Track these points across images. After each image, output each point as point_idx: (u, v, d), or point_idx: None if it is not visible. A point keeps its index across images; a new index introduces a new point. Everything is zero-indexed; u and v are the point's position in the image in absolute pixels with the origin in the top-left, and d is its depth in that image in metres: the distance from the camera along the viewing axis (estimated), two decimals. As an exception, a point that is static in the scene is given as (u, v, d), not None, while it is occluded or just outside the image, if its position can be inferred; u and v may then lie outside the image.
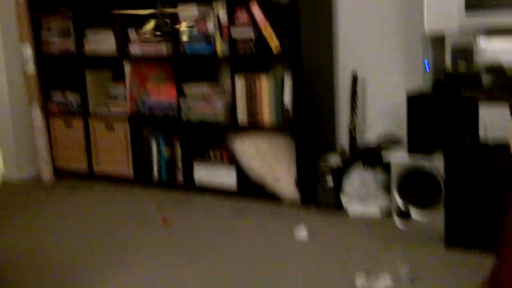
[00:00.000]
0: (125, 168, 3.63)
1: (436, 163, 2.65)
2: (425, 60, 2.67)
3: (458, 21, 2.54)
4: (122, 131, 3.60)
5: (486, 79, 2.60)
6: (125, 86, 3.59)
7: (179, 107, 3.39)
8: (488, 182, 2.36)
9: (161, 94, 3.50)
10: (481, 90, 2.48)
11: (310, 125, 3.11)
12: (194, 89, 3.37)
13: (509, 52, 2.49)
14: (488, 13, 2.49)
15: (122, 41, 3.53)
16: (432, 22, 2.61)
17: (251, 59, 3.22)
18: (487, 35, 2.54)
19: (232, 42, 3.15)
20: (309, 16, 3.02)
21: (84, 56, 3.65)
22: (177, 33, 3.32)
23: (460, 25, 2.55)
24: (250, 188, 3.21)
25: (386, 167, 2.85)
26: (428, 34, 2.67)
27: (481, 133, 2.39)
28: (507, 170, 2.25)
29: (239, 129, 3.23)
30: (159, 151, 3.55)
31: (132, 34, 3.50)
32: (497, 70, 2.45)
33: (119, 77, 3.66)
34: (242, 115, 3.21)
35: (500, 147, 2.32)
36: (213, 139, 3.52)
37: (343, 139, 3.28)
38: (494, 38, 2.52)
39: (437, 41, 2.72)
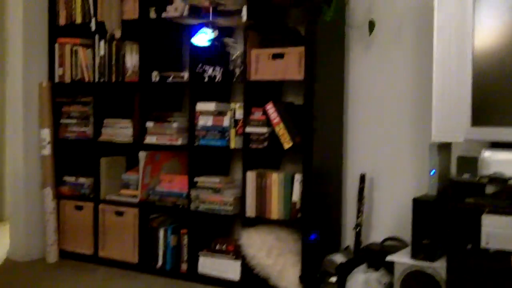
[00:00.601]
0: (130, 254, 3.66)
1: (439, 268, 2.70)
2: (432, 170, 2.79)
3: (464, 134, 2.69)
4: (131, 217, 3.67)
5: (489, 189, 2.72)
6: (138, 173, 3.69)
7: (189, 197, 3.48)
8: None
9: (173, 184, 3.60)
10: (484, 199, 2.59)
11: (318, 222, 3.18)
12: (206, 180, 3.47)
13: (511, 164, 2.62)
14: (493, 128, 2.65)
15: (140, 131, 3.68)
16: (439, 132, 2.75)
17: (263, 154, 3.35)
18: (492, 148, 2.69)
19: (246, 137, 3.29)
20: (322, 117, 3.17)
21: (100, 142, 3.79)
22: (193, 126, 3.47)
23: (466, 137, 2.69)
24: (254, 282, 3.24)
25: (390, 269, 2.90)
26: (435, 143, 2.81)
27: (483, 241, 2.47)
28: (505, 276, 2.30)
29: (247, 222, 3.30)
30: (165, 240, 3.60)
31: (149, 123, 3.66)
32: (500, 181, 2.56)
33: (133, 164, 3.78)
34: (250, 209, 3.29)
35: (500, 254, 2.39)
36: (220, 231, 3.58)
37: (348, 239, 3.34)
38: (498, 151, 2.65)
39: (444, 149, 2.86)
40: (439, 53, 2.73)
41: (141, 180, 3.67)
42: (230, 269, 3.37)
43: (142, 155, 3.66)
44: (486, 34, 2.65)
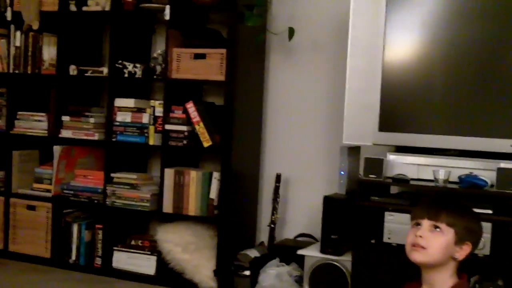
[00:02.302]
0: (43, 249, 3.61)
1: (345, 261, 2.90)
2: (341, 171, 3.00)
3: (372, 138, 2.91)
4: (44, 212, 3.62)
5: (393, 189, 2.96)
6: (52, 168, 3.64)
7: (105, 193, 3.49)
8: (389, 278, 2.63)
9: (88, 179, 3.59)
10: (388, 198, 2.82)
11: (234, 219, 3.30)
12: (123, 176, 3.49)
13: (415, 167, 2.86)
14: (398, 134, 2.88)
15: (55, 125, 3.63)
16: (349, 136, 2.96)
17: (182, 153, 3.42)
18: (396, 152, 2.93)
19: (165, 135, 3.35)
20: (241, 118, 3.30)
21: (13, 135, 3.71)
22: (111, 121, 3.48)
23: (373, 141, 2.91)
24: (169, 277, 3.31)
25: (301, 263, 3.07)
26: (345, 146, 3.01)
27: (385, 236, 2.70)
28: (405, 267, 2.52)
29: (164, 218, 3.36)
30: (79, 234, 3.58)
31: (66, 117, 3.62)
32: (402, 182, 2.79)
33: (47, 159, 3.73)
34: (168, 205, 3.35)
35: (400, 248, 2.62)
36: (137, 227, 3.61)
37: (263, 235, 3.49)
38: (401, 155, 2.89)
39: (354, 152, 3.07)
40: (353, 63, 2.93)
41: (55, 174, 3.63)
42: (145, 264, 3.42)
43: (56, 149, 3.62)
44: (395, 48, 2.87)
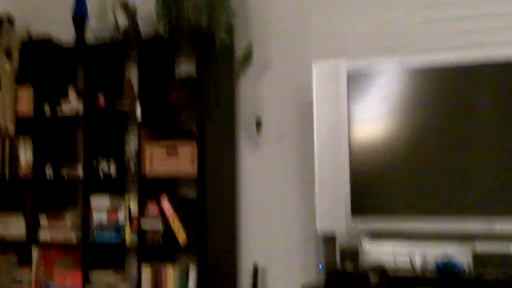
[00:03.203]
0: None
1: None
2: (319, 264, 2.96)
3: (345, 224, 2.89)
4: (23, 316, 3.55)
5: (372, 278, 2.91)
6: (31, 270, 3.60)
7: (83, 294, 3.44)
8: None
9: (67, 280, 3.54)
10: None
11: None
12: (100, 277, 3.45)
13: (391, 254, 2.83)
14: (372, 218, 2.87)
15: (32, 226, 3.62)
16: (323, 223, 2.94)
17: (158, 250, 3.39)
18: (371, 238, 2.90)
19: (141, 233, 3.33)
20: (215, 212, 3.29)
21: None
22: (87, 222, 3.47)
23: (347, 227, 2.89)
24: None
25: None
26: (320, 234, 2.98)
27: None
28: None
29: (143, 318, 3.30)
30: None
31: (43, 219, 3.61)
32: (380, 272, 2.75)
33: (25, 260, 3.68)
34: (146, 304, 3.30)
35: None
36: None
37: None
38: (377, 241, 2.86)
39: (330, 241, 3.04)
40: (319, 149, 2.95)
41: (34, 277, 3.58)
42: None
43: (35, 251, 3.59)
44: (360, 128, 2.90)
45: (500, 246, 2.63)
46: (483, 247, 2.66)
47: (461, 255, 2.70)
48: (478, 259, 2.61)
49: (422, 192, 2.83)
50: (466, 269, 2.63)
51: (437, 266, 2.68)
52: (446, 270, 2.64)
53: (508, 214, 2.64)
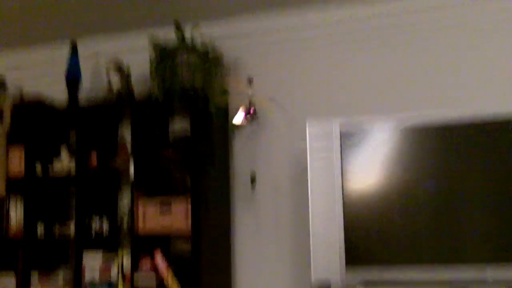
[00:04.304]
0: None
1: None
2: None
3: (340, 276, 2.96)
4: None
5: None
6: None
7: None
8: None
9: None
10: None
11: None
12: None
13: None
14: (366, 269, 2.95)
15: (23, 285, 3.59)
16: (318, 275, 3.00)
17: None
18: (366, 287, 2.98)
19: (135, 291, 3.35)
20: (209, 268, 3.32)
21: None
22: (79, 279, 3.47)
23: (341, 279, 2.96)
24: None
25: None
26: (315, 284, 3.04)
27: None
28: None
29: None
30: None
31: (34, 277, 3.60)
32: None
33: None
34: None
35: None
36: None
37: None
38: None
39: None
40: (313, 204, 3.04)
41: None
42: None
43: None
44: (354, 183, 3.01)
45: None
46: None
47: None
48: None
49: (415, 243, 2.91)
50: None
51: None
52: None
53: (499, 261, 2.76)
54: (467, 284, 2.79)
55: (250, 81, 3.41)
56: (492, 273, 2.76)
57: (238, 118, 3.41)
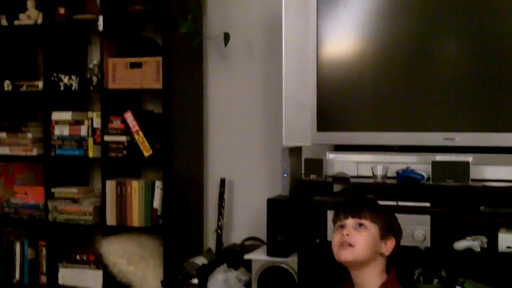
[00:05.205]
0: (-17, 270, 3.51)
1: (292, 262, 2.90)
2: (284, 173, 2.99)
3: (311, 138, 2.93)
4: (-17, 232, 3.52)
5: (336, 188, 2.98)
6: (-10, 186, 3.55)
7: (46, 209, 3.41)
8: (335, 276, 2.65)
9: (29, 195, 3.51)
10: (330, 197, 2.84)
11: (179, 228, 3.27)
12: (63, 191, 3.42)
13: (354, 164, 2.90)
14: (336, 133, 2.92)
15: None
16: (289, 137, 2.97)
17: (122, 163, 3.37)
18: (336, 151, 2.96)
19: (104, 146, 3.30)
20: (181, 125, 3.28)
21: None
22: (49, 136, 3.41)
23: (312, 141, 2.94)
24: (116, 290, 3.26)
25: (249, 268, 3.06)
26: (286, 147, 3.01)
27: (329, 235, 2.70)
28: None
29: (108, 231, 3.31)
30: (22, 253, 3.49)
31: (1, 134, 3.53)
32: (342, 180, 2.82)
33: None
34: (111, 217, 3.29)
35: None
36: (81, 241, 3.54)
37: (211, 241, 3.47)
38: (340, 153, 2.93)
39: (295, 152, 3.08)
40: (287, 64, 2.94)
41: (-6, 193, 3.53)
42: (91, 279, 3.35)
43: (-6, 167, 3.54)
44: (328, 46, 2.91)
45: (458, 157, 2.72)
46: (442, 158, 2.74)
47: (421, 165, 2.77)
48: (437, 168, 2.69)
49: (387, 109, 2.86)
50: (426, 177, 2.71)
51: (398, 174, 2.76)
52: (406, 177, 2.72)
53: (467, 130, 2.72)
54: (435, 152, 2.77)
55: None
56: (460, 141, 2.73)
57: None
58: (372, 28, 2.87)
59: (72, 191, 3.41)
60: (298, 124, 2.94)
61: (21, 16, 3.44)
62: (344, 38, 2.91)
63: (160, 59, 3.19)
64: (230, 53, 3.43)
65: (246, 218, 3.45)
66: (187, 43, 3.29)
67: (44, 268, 3.44)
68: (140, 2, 3.23)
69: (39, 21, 3.39)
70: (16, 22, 3.45)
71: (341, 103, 2.93)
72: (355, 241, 2.02)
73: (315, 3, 2.89)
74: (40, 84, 3.44)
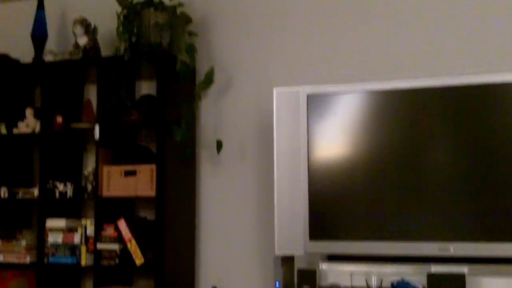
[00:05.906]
0: None
1: None
2: (276, 282, 2.93)
3: (303, 247, 2.90)
4: None
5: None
6: (-19, 294, 3.49)
7: (37, 318, 3.34)
8: None
9: (20, 303, 3.44)
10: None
11: None
12: (55, 300, 3.37)
13: (348, 275, 2.84)
14: (329, 242, 2.88)
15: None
16: (281, 246, 2.94)
17: (115, 271, 3.32)
18: (329, 260, 2.91)
19: (97, 254, 3.26)
20: (173, 232, 3.25)
21: None
22: (42, 243, 3.39)
23: (305, 250, 2.90)
24: None
25: None
26: (279, 256, 2.97)
27: None
28: None
29: None
30: None
31: (-4, 242, 3.53)
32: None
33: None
34: (101, 328, 3.22)
35: None
36: None
37: None
38: (334, 263, 2.88)
39: (288, 261, 3.03)
40: (279, 173, 2.96)
41: (-15, 300, 3.47)
42: None
43: (-14, 276, 3.49)
44: (319, 155, 2.93)
45: (454, 268, 2.67)
46: (437, 269, 2.69)
47: (416, 277, 2.72)
48: (433, 280, 2.64)
49: (380, 218, 2.84)
50: (421, 288, 2.65)
51: (392, 286, 2.70)
52: (401, 289, 2.66)
53: (462, 240, 2.69)
54: (430, 260, 2.73)
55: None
56: (455, 251, 2.68)
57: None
58: (363, 135, 2.90)
59: (64, 299, 3.34)
60: (291, 232, 2.92)
61: (20, 124, 3.52)
62: (335, 146, 2.94)
63: (154, 166, 3.21)
64: (223, 159, 3.46)
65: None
66: (181, 150, 3.32)
67: None
68: (136, 111, 3.30)
69: (37, 129, 3.46)
70: (15, 131, 3.52)
71: (334, 211, 2.92)
72: None
73: (305, 112, 2.94)
74: (36, 191, 3.46)
